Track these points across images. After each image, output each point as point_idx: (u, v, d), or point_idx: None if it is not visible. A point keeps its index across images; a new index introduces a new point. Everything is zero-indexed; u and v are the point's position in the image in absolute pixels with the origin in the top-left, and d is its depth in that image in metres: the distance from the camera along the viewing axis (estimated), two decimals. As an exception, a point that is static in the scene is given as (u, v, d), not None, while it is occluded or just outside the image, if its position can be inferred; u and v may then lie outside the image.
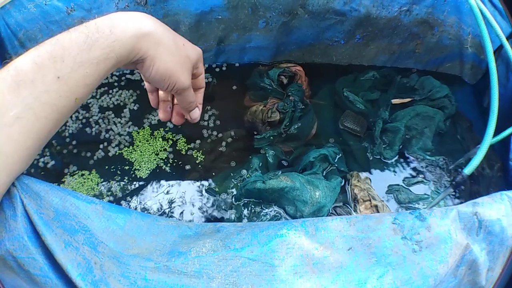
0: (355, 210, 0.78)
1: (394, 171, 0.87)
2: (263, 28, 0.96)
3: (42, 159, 0.88)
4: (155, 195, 0.84)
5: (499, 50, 0.87)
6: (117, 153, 0.90)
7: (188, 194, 0.84)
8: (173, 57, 0.45)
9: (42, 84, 0.37)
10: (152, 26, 0.43)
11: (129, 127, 0.94)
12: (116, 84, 1.01)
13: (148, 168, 0.87)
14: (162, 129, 0.93)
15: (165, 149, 0.90)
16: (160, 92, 0.56)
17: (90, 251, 0.42)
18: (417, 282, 0.43)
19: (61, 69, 0.38)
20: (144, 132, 0.93)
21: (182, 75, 0.47)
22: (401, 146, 0.89)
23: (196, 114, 0.55)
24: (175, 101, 0.56)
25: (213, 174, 0.87)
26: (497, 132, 0.75)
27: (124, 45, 0.41)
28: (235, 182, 0.84)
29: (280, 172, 0.83)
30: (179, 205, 0.82)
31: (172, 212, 0.81)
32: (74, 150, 0.90)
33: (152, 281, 0.42)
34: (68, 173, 0.86)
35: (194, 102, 0.53)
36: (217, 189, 0.83)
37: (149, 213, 0.81)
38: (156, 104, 0.56)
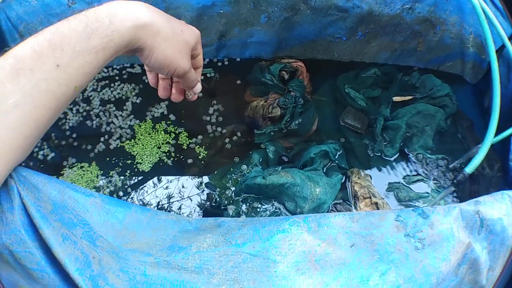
0: (355, 207, 0.78)
1: (395, 169, 0.86)
2: (265, 23, 0.95)
3: (41, 152, 0.87)
4: (156, 189, 0.83)
5: (500, 50, 0.86)
6: (118, 146, 0.89)
7: (188, 188, 0.83)
8: (171, 45, 0.46)
9: (41, 72, 0.37)
10: (150, 16, 0.44)
11: (130, 120, 0.93)
12: (117, 77, 1.00)
13: (151, 161, 0.87)
14: (164, 122, 0.92)
15: (168, 142, 0.89)
16: None
17: (89, 245, 0.41)
18: (419, 280, 0.43)
19: (60, 57, 0.38)
20: (146, 125, 0.92)
21: (182, 61, 0.48)
22: (401, 144, 0.88)
23: (198, 89, 0.57)
24: (174, 79, 0.58)
25: (214, 169, 0.86)
26: (497, 132, 0.75)
27: (122, 36, 0.41)
28: (235, 177, 0.83)
29: (281, 167, 0.82)
30: (179, 199, 0.82)
31: (171, 206, 0.81)
32: (74, 143, 0.89)
33: (151, 277, 0.42)
34: (67, 166, 0.86)
35: (195, 80, 0.55)
36: (217, 185, 0.83)
37: (149, 206, 0.81)
38: (155, 83, 0.58)
